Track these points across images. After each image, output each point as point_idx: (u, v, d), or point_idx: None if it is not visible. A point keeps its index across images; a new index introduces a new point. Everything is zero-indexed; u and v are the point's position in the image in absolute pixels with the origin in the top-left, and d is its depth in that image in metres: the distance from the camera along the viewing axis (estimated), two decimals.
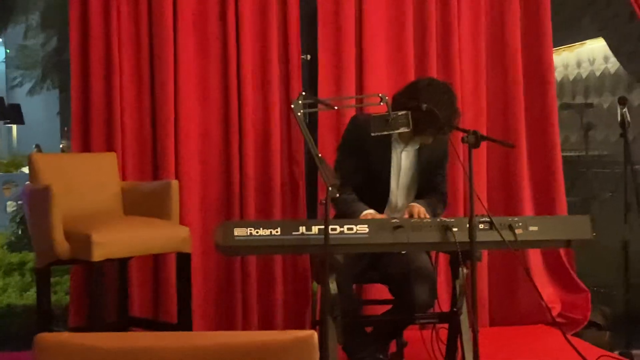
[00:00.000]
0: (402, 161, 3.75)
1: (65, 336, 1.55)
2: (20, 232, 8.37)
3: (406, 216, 3.54)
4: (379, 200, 3.74)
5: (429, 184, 3.81)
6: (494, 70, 4.87)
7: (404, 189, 3.77)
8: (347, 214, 3.62)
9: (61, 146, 15.31)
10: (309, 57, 4.93)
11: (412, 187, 3.79)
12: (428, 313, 3.67)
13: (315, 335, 1.62)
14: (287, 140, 4.65)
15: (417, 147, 3.74)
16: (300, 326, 4.51)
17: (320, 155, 3.13)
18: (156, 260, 4.49)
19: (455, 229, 3.33)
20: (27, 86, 14.75)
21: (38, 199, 3.91)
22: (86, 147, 4.49)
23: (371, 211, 3.59)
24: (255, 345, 1.57)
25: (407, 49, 4.64)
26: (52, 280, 4.37)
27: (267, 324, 4.54)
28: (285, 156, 4.64)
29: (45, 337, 1.52)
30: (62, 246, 3.80)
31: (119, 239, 3.84)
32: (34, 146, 11.10)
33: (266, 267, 4.56)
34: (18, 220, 8.62)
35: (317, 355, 1.59)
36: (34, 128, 15.43)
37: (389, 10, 4.69)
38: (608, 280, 5.21)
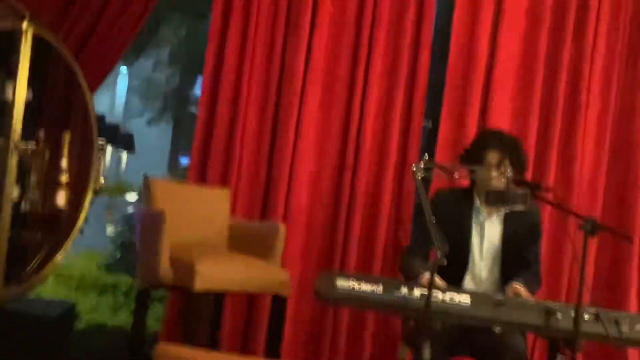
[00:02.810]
0: (486, 231, 3.70)
1: (182, 349, 1.58)
2: (118, 256, 8.57)
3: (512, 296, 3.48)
4: (458, 271, 3.68)
5: (518, 259, 3.71)
6: (615, 165, 4.79)
7: (489, 260, 3.70)
8: (407, 275, 3.61)
9: (167, 175, 15.66)
10: (430, 124, 4.96)
11: (497, 259, 3.70)
12: None
13: None
14: (397, 204, 4.67)
15: (502, 216, 3.70)
16: None
17: (433, 221, 3.13)
18: (252, 299, 4.55)
19: (559, 315, 3.25)
20: (146, 117, 15.27)
21: (150, 222, 4.02)
22: (202, 178, 4.62)
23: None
24: None
25: (531, 130, 4.61)
26: None
27: None
28: (393, 218, 4.66)
29: (165, 348, 1.56)
30: (166, 271, 3.88)
31: (222, 273, 3.90)
32: (142, 175, 11.41)
33: (358, 322, 4.56)
34: (118, 244, 8.85)
35: None
36: (144, 158, 15.85)
37: (517, 89, 4.70)
38: None
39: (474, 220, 3.71)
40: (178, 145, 14.90)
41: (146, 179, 4.39)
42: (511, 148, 3.68)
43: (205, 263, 3.81)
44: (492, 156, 3.63)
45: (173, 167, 15.28)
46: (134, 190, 12.22)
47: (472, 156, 3.70)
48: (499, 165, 3.61)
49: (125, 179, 13.98)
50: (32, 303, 4.28)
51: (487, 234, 3.71)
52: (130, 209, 9.64)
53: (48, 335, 4.02)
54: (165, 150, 16.63)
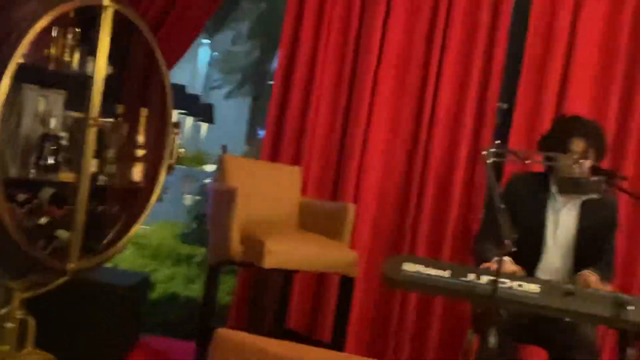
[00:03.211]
0: (561, 219, 3.63)
1: (241, 335, 1.62)
2: (194, 226, 8.71)
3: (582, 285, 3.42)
4: (529, 258, 3.61)
5: (593, 249, 3.63)
6: None
7: (562, 248, 3.63)
8: (478, 261, 3.57)
9: (244, 149, 15.86)
10: (505, 105, 4.87)
11: (572, 248, 3.64)
12: None
13: None
14: (469, 187, 4.62)
15: (579, 205, 3.62)
16: None
17: (503, 207, 3.09)
18: (320, 279, 4.59)
19: (631, 307, 3.19)
20: (225, 90, 15.43)
21: (222, 199, 4.08)
22: (275, 156, 4.67)
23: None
24: None
25: (609, 117, 4.49)
26: None
27: None
28: (465, 202, 4.62)
29: (224, 333, 1.60)
30: (236, 248, 3.94)
31: (290, 251, 3.95)
32: (220, 146, 11.58)
33: (425, 306, 4.56)
34: (194, 214, 8.98)
35: None
36: (222, 129, 16.05)
37: (597, 73, 4.56)
38: None
39: (549, 207, 3.64)
40: (256, 118, 15.07)
41: (222, 155, 4.46)
42: (596, 137, 3.60)
43: (274, 241, 3.86)
44: (577, 144, 3.54)
45: (251, 139, 15.44)
46: (212, 161, 12.36)
47: (554, 143, 3.62)
48: (583, 154, 3.53)
49: (204, 150, 14.15)
50: (108, 273, 4.40)
51: (563, 223, 3.63)
52: (208, 180, 9.79)
53: (123, 304, 4.13)
54: (244, 123, 16.80)
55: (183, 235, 8.65)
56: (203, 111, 14.06)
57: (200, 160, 13.00)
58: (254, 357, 1.54)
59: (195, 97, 13.00)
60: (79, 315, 3.91)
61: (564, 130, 3.64)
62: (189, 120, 14.03)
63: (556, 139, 3.62)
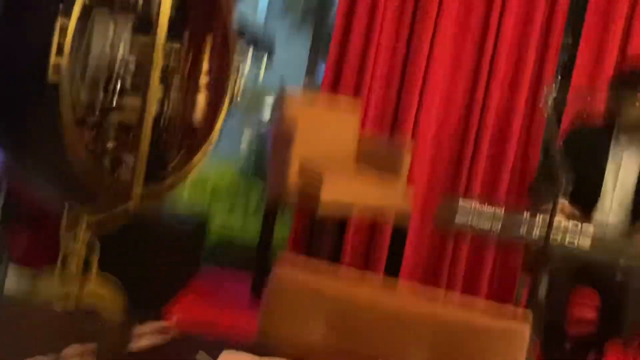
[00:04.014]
0: (622, 169, 3.58)
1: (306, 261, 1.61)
2: (253, 161, 8.77)
3: None
4: (585, 206, 3.56)
5: None
6: None
7: (621, 199, 3.59)
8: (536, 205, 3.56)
9: (303, 82, 15.78)
10: (570, 41, 4.75)
11: (630, 199, 3.59)
12: (636, 333, 3.54)
13: (527, 329, 1.62)
14: (527, 126, 4.58)
15: None
16: None
17: (560, 151, 3.08)
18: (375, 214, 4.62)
19: None
20: (287, 21, 15.30)
21: (281, 135, 4.10)
22: (335, 88, 4.67)
23: None
24: (465, 325, 1.60)
25: None
26: None
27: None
28: (523, 142, 4.59)
29: (288, 257, 1.60)
30: (294, 183, 3.97)
31: (347, 187, 3.97)
32: (280, 77, 11.57)
33: (479, 248, 4.57)
34: (253, 147, 9.04)
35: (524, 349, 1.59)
36: (282, 62, 15.93)
37: None
38: None
39: (610, 157, 3.60)
40: (317, 51, 14.98)
41: (280, 92, 4.46)
42: None
43: (332, 176, 3.88)
44: None
45: (311, 72, 15.41)
46: (271, 94, 12.31)
47: (630, 82, 3.56)
48: None
49: (264, 83, 14.12)
50: (171, 210, 4.45)
51: (623, 172, 3.60)
52: (267, 113, 9.81)
53: (185, 239, 4.23)
54: (305, 53, 16.69)
55: (242, 169, 8.73)
56: (264, 44, 13.91)
57: (260, 93, 12.98)
58: (310, 298, 1.58)
59: (257, 30, 12.91)
60: (144, 246, 3.97)
61: (636, 75, 3.59)
62: (250, 53, 13.93)
63: (628, 84, 3.58)
